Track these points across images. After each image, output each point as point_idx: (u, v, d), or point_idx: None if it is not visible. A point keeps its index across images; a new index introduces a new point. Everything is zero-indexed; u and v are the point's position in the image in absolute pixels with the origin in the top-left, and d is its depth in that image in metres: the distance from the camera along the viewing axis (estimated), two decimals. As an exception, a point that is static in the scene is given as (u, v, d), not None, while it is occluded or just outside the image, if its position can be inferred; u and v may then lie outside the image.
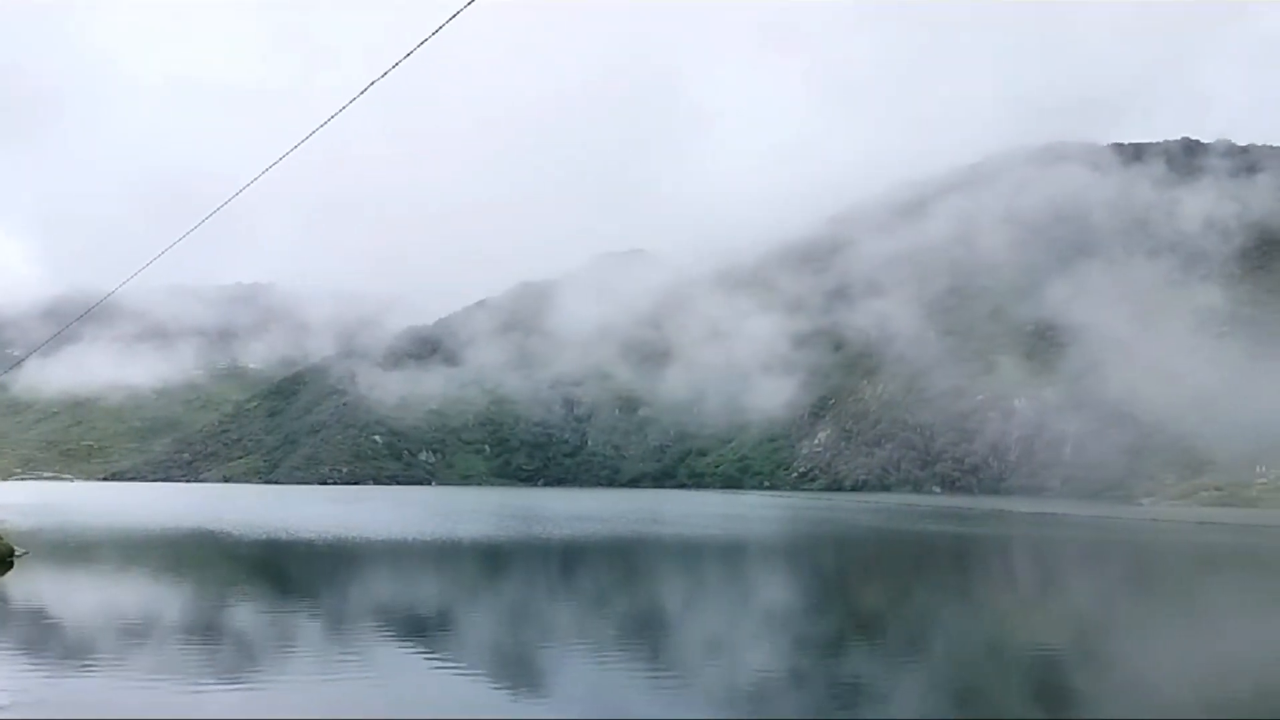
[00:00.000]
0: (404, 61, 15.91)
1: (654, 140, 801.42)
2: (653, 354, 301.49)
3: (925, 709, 18.79)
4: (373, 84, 17.08)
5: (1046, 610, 34.08)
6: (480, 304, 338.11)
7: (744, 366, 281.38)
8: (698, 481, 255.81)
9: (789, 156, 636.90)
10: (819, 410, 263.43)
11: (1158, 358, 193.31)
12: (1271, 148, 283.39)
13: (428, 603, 32.79)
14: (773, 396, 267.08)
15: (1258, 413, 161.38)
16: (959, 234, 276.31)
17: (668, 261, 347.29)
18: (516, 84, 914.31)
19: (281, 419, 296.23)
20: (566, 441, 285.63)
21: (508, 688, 20.10)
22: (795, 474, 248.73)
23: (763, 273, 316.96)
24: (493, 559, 49.86)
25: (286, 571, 44.96)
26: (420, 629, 27.17)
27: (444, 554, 51.36)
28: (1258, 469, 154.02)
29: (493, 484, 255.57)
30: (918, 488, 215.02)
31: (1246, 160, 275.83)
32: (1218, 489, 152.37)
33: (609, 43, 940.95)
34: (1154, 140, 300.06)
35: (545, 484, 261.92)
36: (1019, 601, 36.58)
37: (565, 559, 49.69)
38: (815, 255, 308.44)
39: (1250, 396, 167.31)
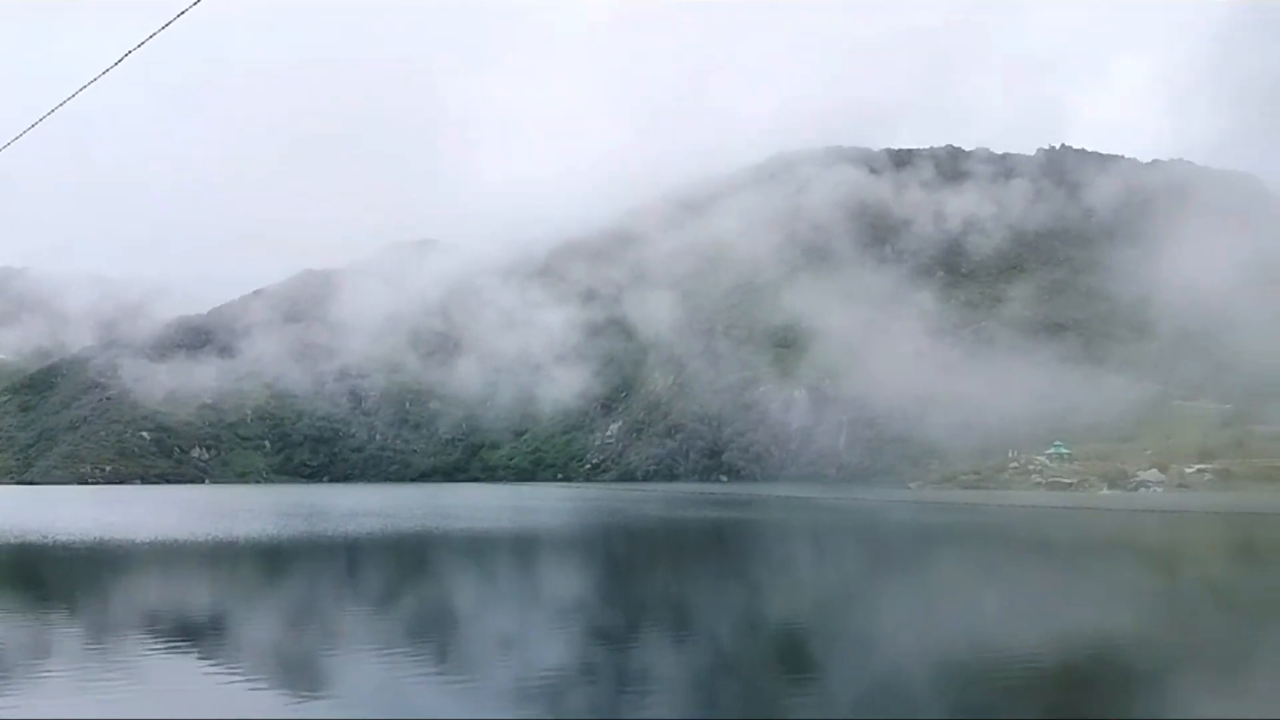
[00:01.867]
0: (174, 23, 14.22)
1: (447, 133, 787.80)
2: (443, 345, 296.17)
3: (689, 693, 18.74)
4: (128, 54, 15.25)
5: (797, 585, 36.96)
6: (258, 293, 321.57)
7: (536, 358, 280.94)
8: (490, 475, 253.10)
9: (583, 151, 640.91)
10: (611, 402, 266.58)
11: (897, 356, 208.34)
12: (1025, 156, 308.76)
13: (199, 606, 30.34)
14: (565, 388, 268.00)
15: (1006, 404, 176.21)
16: (744, 230, 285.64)
17: (459, 251, 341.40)
18: (300, 61, 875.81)
19: (35, 414, 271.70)
20: (353, 436, 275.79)
21: (286, 690, 18.67)
22: (588, 465, 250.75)
23: (555, 264, 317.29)
24: (271, 558, 47.03)
25: (40, 577, 40.67)
26: (191, 634, 25.04)
27: (219, 554, 47.99)
28: (1010, 454, 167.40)
29: (273, 481, 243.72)
30: (706, 476, 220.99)
31: (1004, 166, 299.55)
32: (975, 474, 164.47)
33: (405, 32, 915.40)
34: (923, 146, 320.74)
35: (330, 480, 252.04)
36: (780, 579, 38.67)
37: (350, 557, 47.47)
38: (608, 247, 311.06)
39: (1003, 387, 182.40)
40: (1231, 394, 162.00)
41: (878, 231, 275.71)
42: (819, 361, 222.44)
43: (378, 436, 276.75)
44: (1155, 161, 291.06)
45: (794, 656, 22.79)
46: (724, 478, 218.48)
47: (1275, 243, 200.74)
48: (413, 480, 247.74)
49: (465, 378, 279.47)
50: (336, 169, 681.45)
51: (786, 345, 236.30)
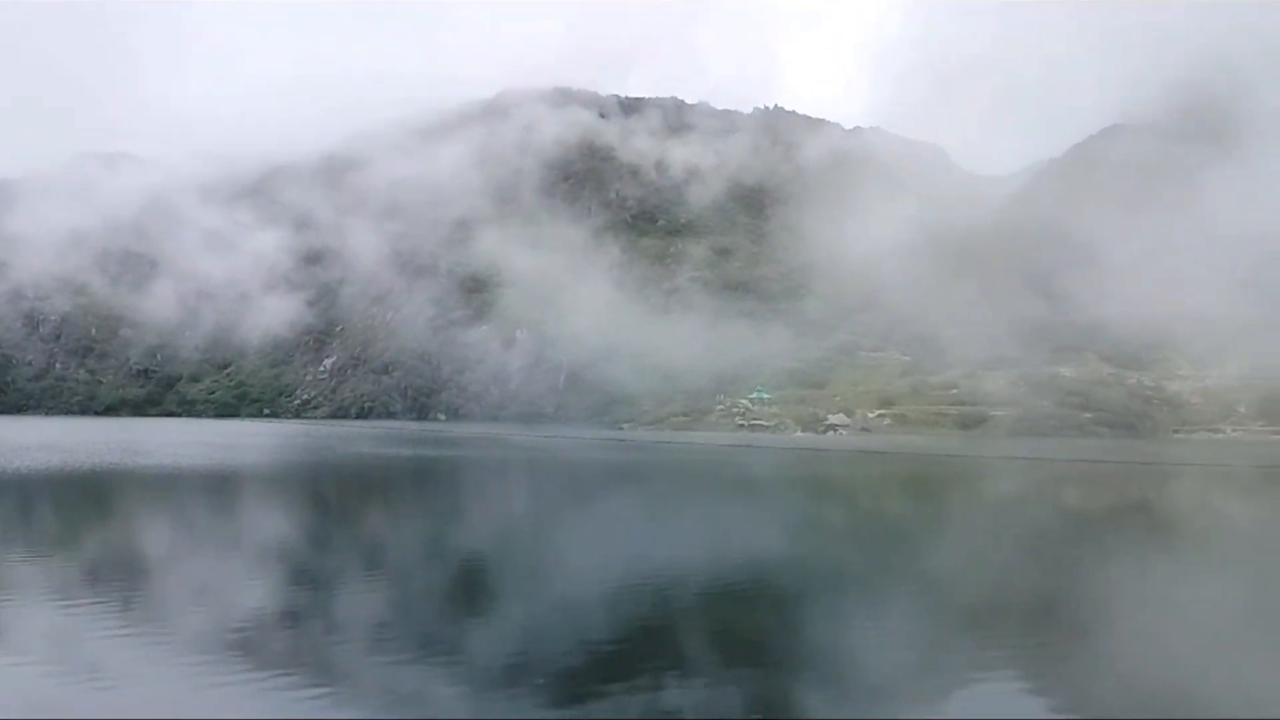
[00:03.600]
0: None
1: (145, 36, 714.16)
2: (136, 267, 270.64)
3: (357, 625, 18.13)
4: None
5: (482, 519, 37.34)
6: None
7: (243, 285, 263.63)
8: (189, 410, 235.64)
9: (305, 67, 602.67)
10: (324, 335, 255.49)
11: (603, 301, 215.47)
12: (744, 114, 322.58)
13: None
14: (275, 318, 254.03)
15: (710, 352, 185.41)
16: (472, 164, 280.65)
17: (156, 166, 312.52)
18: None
19: None
20: (29, 364, 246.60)
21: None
22: (298, 401, 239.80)
23: (267, 185, 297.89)
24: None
25: None
26: None
27: None
28: (718, 397, 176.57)
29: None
30: (423, 415, 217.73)
31: (726, 122, 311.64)
32: (685, 415, 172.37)
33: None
34: (651, 96, 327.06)
35: (2, 412, 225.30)
36: (468, 514, 38.70)
37: (20, 496, 42.26)
38: (327, 171, 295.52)
39: (711, 334, 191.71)
40: (910, 347, 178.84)
41: (602, 177, 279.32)
42: (533, 303, 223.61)
43: (58, 365, 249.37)
44: (857, 128, 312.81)
45: (472, 588, 23.11)
46: (442, 416, 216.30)
47: (951, 211, 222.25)
48: (98, 414, 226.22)
49: (161, 303, 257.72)
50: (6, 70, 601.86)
51: (501, 285, 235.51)
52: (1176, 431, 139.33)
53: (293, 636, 17.81)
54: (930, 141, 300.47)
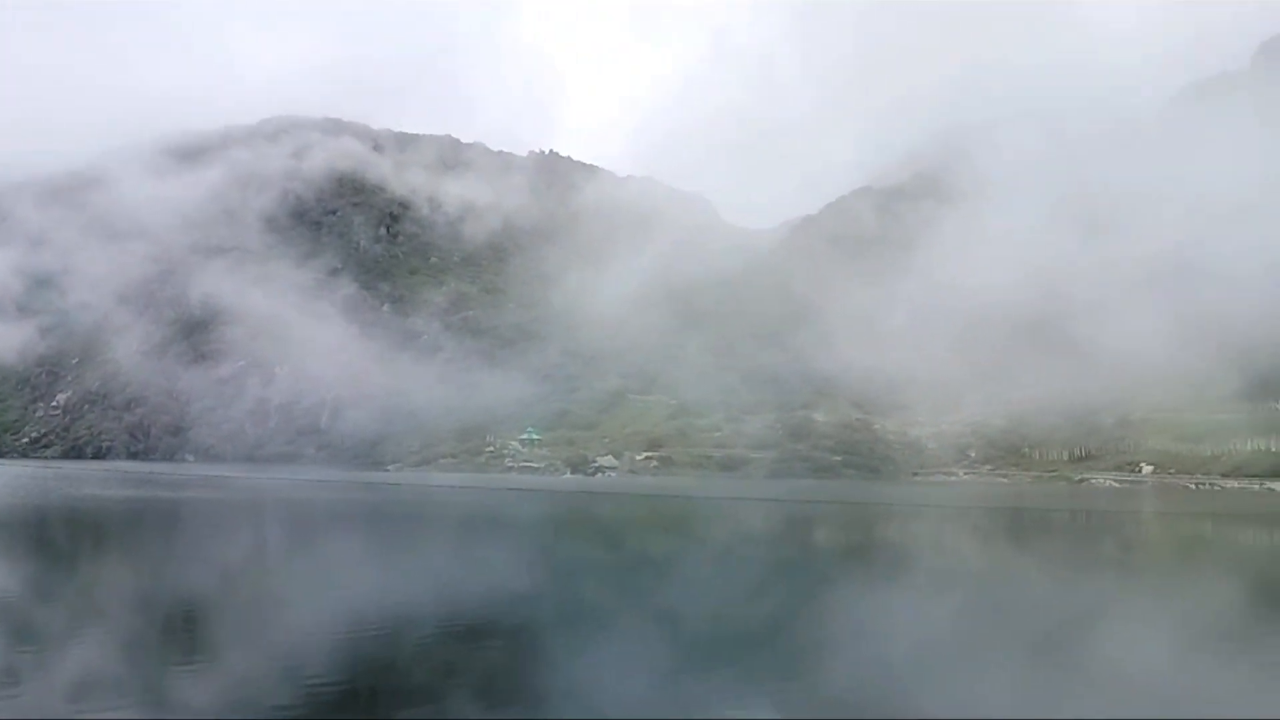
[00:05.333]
0: None
1: None
2: None
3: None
4: None
5: (183, 565, 34.08)
6: None
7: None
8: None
9: (48, 84, 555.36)
10: (59, 366, 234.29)
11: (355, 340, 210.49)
12: (519, 156, 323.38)
13: None
14: (2, 345, 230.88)
15: (485, 392, 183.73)
16: (231, 187, 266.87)
17: None
18: None
19: None
20: None
21: None
22: (26, 439, 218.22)
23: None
24: None
25: None
26: None
27: None
28: (487, 438, 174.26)
29: None
30: (169, 455, 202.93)
31: (502, 162, 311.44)
32: (453, 456, 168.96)
33: None
34: (425, 133, 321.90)
35: None
36: (169, 560, 35.32)
37: None
38: (70, 189, 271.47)
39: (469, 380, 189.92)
40: (677, 391, 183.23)
41: (371, 208, 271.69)
42: (286, 339, 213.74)
43: None
44: (630, 177, 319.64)
45: (172, 639, 21.35)
46: (190, 457, 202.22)
47: (702, 263, 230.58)
48: None
49: None
50: None
51: (251, 319, 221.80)
52: (916, 474, 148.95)
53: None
54: (697, 193, 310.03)
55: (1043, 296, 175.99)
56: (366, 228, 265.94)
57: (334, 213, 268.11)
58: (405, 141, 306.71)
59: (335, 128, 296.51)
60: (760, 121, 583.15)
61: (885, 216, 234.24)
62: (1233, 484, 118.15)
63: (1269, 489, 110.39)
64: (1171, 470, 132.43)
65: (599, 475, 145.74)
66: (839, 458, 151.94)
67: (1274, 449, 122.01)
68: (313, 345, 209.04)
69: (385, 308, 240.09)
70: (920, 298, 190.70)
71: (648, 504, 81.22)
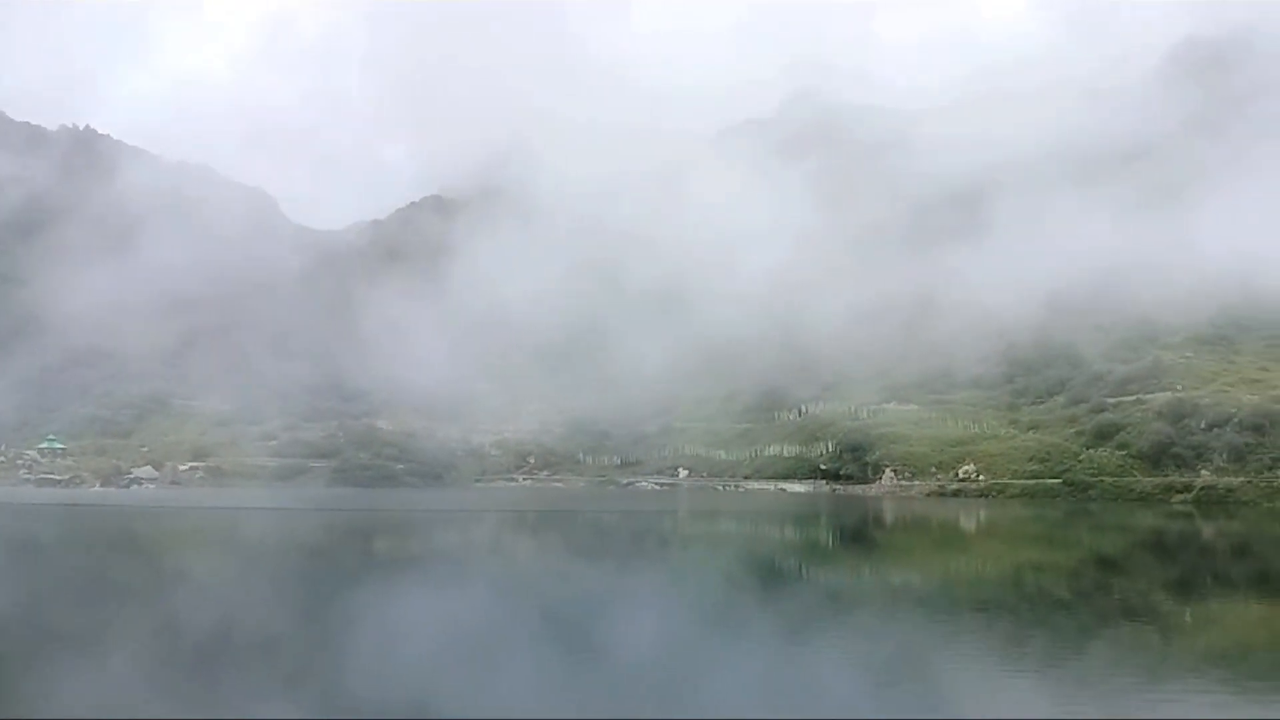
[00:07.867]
0: None
1: None
2: None
3: None
4: None
5: None
6: None
7: None
8: None
9: None
10: None
11: None
12: (48, 130, 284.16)
13: None
14: None
15: None
16: None
17: None
18: None
19: None
20: None
21: None
22: None
23: None
24: None
25: None
26: None
27: None
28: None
29: None
30: None
31: (27, 135, 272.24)
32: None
33: None
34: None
35: None
36: None
37: None
38: None
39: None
40: (228, 396, 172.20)
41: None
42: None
43: None
44: (182, 163, 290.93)
45: None
46: None
47: (283, 259, 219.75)
48: None
49: None
50: None
51: None
52: (479, 480, 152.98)
53: None
54: (258, 187, 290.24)
55: (574, 318, 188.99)
56: None
57: None
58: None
59: None
60: (323, 116, 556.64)
61: (451, 227, 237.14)
62: (753, 485, 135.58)
63: (781, 489, 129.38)
64: (704, 474, 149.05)
65: (134, 488, 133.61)
66: (402, 465, 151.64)
67: (786, 454, 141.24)
68: None
69: None
70: (465, 313, 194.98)
71: (177, 518, 76.12)
